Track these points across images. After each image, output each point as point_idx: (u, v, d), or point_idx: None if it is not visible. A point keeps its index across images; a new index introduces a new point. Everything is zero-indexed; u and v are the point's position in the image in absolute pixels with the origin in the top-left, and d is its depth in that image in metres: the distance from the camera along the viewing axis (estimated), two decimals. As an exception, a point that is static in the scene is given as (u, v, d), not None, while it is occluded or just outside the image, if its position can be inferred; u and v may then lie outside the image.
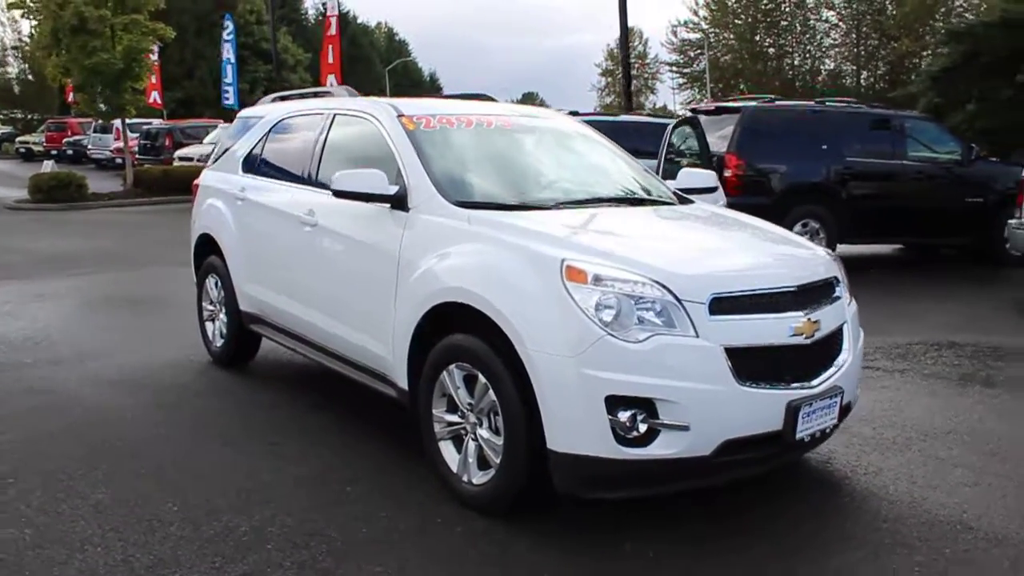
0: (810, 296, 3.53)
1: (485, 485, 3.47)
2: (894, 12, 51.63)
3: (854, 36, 55.48)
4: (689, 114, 9.87)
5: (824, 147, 9.46)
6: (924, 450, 4.22)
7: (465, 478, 3.58)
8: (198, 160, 20.59)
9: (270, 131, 5.41)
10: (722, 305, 3.25)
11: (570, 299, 3.18)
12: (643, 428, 3.13)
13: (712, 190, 5.06)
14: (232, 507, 3.56)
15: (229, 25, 26.72)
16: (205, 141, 22.01)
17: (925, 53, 52.79)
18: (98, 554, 3.16)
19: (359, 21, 67.25)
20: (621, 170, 4.79)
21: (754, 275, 3.47)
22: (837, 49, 57.41)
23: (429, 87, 75.95)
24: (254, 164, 5.44)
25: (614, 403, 3.11)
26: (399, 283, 3.88)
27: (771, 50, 58.64)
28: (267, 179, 5.23)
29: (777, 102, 10.07)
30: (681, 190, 4.70)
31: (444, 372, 3.62)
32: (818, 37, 56.87)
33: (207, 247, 5.82)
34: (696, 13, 57.57)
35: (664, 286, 3.20)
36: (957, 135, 10.73)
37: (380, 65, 61.98)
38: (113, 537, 3.29)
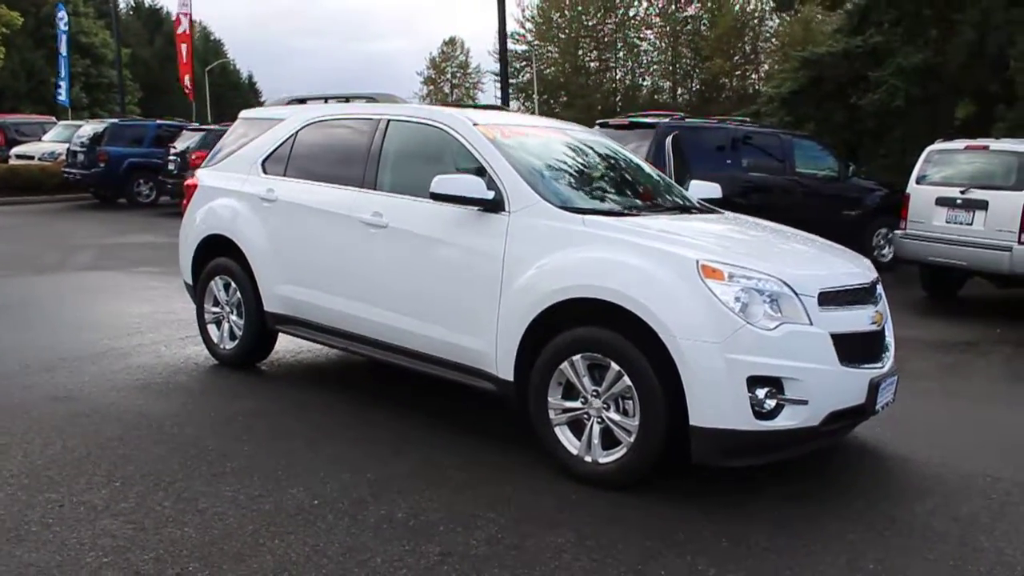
0: (874, 291, 4.17)
1: (615, 462, 3.81)
2: (708, 33, 55.55)
3: (671, 54, 59.23)
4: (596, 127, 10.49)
5: (728, 161, 10.36)
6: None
7: (589, 458, 3.90)
8: (40, 159, 19.22)
9: (297, 133, 5.44)
10: (826, 298, 3.80)
11: (711, 294, 3.61)
12: (772, 404, 3.61)
13: (717, 201, 5.62)
14: (374, 497, 3.68)
15: (63, 15, 24.81)
16: (44, 139, 20.53)
17: (736, 73, 57.44)
18: (284, 546, 3.24)
19: (174, 19, 64.16)
20: (656, 179, 5.27)
21: (841, 273, 4.05)
22: (656, 66, 61.05)
23: (248, 90, 73.50)
24: (280, 165, 5.45)
25: (752, 383, 3.56)
26: (505, 282, 4.14)
27: (593, 64, 61.50)
28: (303, 181, 5.27)
29: (686, 119, 10.92)
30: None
31: (565, 362, 3.94)
32: (638, 54, 60.20)
33: (213, 249, 5.75)
34: (523, 25, 59.44)
35: (784, 282, 3.70)
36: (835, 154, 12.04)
37: (199, 65, 59.34)
38: (284, 530, 3.36)
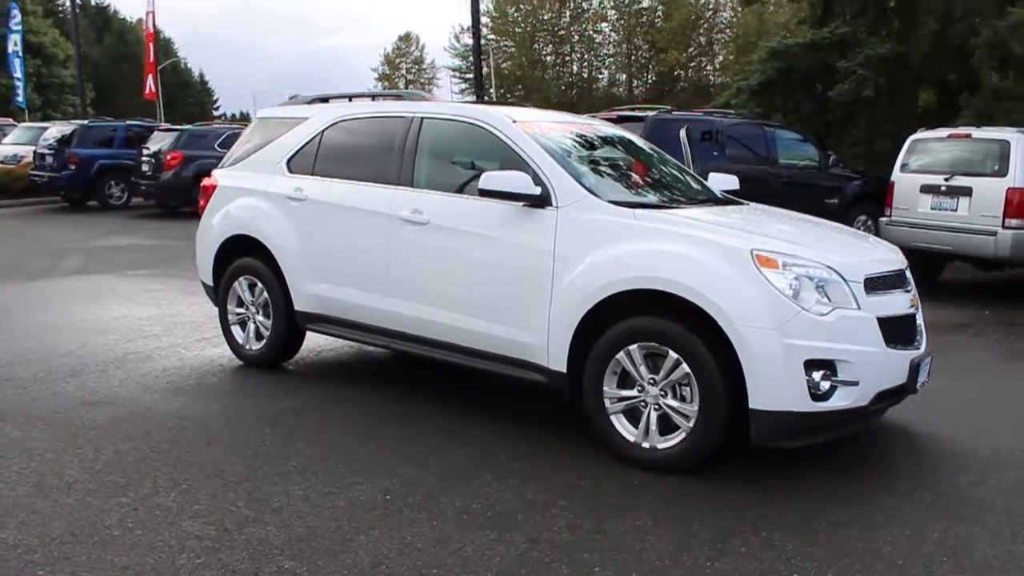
0: (905, 276, 4.34)
1: (675, 447, 3.93)
2: (663, 25, 56.04)
3: (626, 47, 59.65)
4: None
5: (715, 153, 10.55)
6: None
7: (646, 445, 4.01)
8: (2, 162, 18.83)
9: (323, 132, 5.46)
10: (871, 283, 3.96)
11: (767, 282, 3.74)
12: (826, 385, 3.76)
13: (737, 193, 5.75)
14: (443, 490, 3.74)
15: (17, 15, 24.16)
16: (5, 142, 20.08)
17: (691, 64, 58.08)
18: (373, 540, 3.29)
19: (121, 17, 62.93)
20: (679, 171, 5.40)
21: (880, 259, 4.21)
22: (612, 59, 61.45)
23: (200, 89, 72.39)
24: (307, 164, 5.46)
25: (809, 366, 3.70)
26: (556, 275, 4.23)
27: (550, 58, 61.69)
28: (334, 179, 5.29)
29: (673, 112, 11.08)
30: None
31: (621, 352, 4.04)
32: (594, 47, 60.53)
33: (236, 249, 5.75)
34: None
35: (834, 269, 3.85)
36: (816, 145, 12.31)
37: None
38: (366, 525, 3.42)
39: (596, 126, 5.41)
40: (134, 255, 11.22)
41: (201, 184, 6.24)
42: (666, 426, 3.99)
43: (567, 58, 61.28)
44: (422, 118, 5.02)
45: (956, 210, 8.51)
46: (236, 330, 5.85)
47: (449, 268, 4.67)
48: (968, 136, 8.78)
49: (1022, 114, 13.09)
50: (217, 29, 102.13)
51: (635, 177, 4.93)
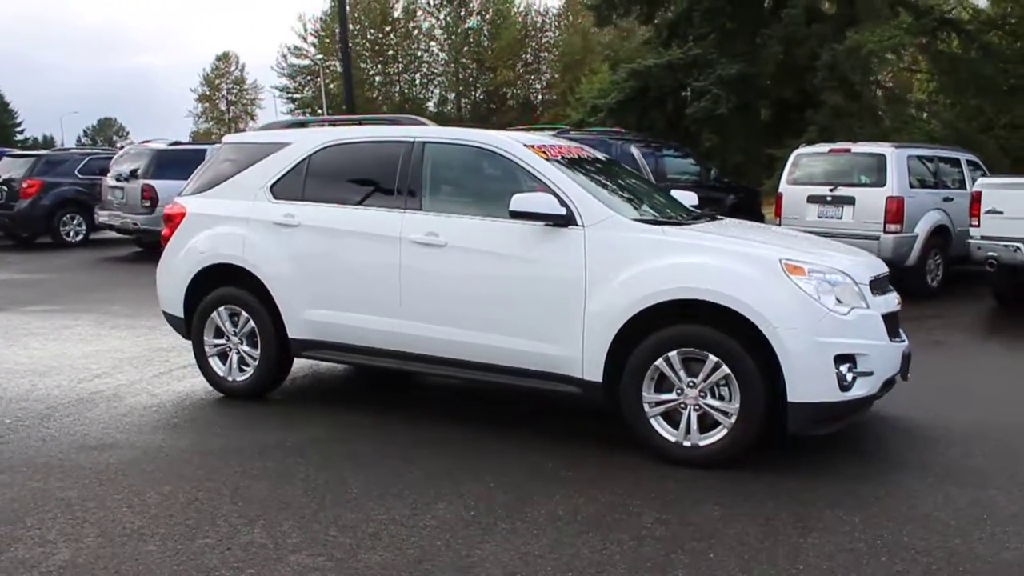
0: (888, 278, 4.91)
1: (717, 443, 4.26)
2: (491, 45, 57.35)
3: (455, 66, 60.51)
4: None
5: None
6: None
7: (688, 443, 4.32)
8: None
9: (310, 157, 5.42)
10: (874, 285, 4.48)
11: (798, 287, 4.16)
12: (850, 377, 4.22)
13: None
14: (521, 502, 3.88)
15: None
16: None
17: (519, 82, 59.73)
18: (491, 553, 3.39)
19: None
20: (656, 189, 5.78)
21: (873, 264, 4.75)
22: (440, 78, 62.13)
23: (1, 111, 67.12)
24: (295, 190, 5.39)
25: (837, 360, 4.15)
26: (588, 290, 4.46)
27: (378, 78, 61.56)
28: (328, 205, 5.27)
29: (570, 132, 11.55)
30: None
31: (660, 359, 4.33)
32: (423, 67, 61.01)
33: (211, 279, 5.59)
34: (305, 40, 58.43)
35: (847, 274, 4.33)
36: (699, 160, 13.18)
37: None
38: (473, 540, 3.52)
39: (586, 149, 5.69)
40: (15, 291, 10.37)
41: (164, 212, 5.99)
42: (704, 425, 4.32)
43: (395, 78, 61.39)
44: (424, 142, 5.12)
45: (841, 218, 9.45)
46: (215, 362, 5.66)
47: (472, 288, 4.79)
48: (848, 151, 9.79)
49: (860, 129, 14.60)
50: (13, 44, 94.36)
51: (636, 195, 5.24)
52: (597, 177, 5.14)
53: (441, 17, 58.80)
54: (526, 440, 4.76)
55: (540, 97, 60.29)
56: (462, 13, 58.32)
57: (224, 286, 5.57)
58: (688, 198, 5.84)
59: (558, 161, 4.90)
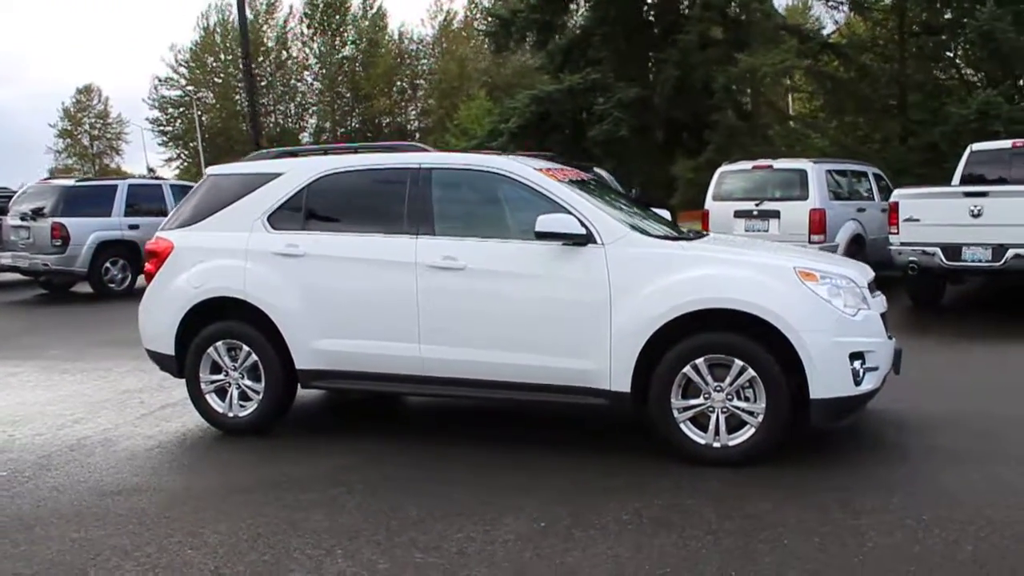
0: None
1: (746, 442, 4.53)
2: (365, 74, 57.07)
3: (330, 96, 59.85)
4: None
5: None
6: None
7: (718, 444, 4.57)
8: None
9: (308, 186, 5.40)
10: (869, 288, 4.88)
11: (813, 293, 4.50)
12: (862, 372, 4.58)
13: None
14: (581, 514, 4.02)
15: None
16: None
17: (396, 109, 59.68)
18: (581, 558, 3.51)
19: None
20: (643, 207, 6.06)
21: (865, 269, 5.14)
22: (315, 107, 61.28)
23: None
24: (294, 219, 5.36)
25: (852, 357, 4.51)
26: (614, 305, 4.66)
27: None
28: (332, 233, 5.27)
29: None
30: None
31: (688, 366, 4.58)
32: (298, 97, 60.07)
33: (204, 314, 5.47)
34: (175, 70, 56.56)
35: (850, 279, 4.71)
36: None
37: None
38: (561, 549, 3.63)
39: (578, 172, 5.91)
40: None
41: (147, 247, 5.80)
42: (730, 426, 4.59)
43: (270, 108, 60.18)
44: (430, 168, 5.21)
45: (768, 231, 10.06)
46: (212, 399, 5.53)
47: (496, 309, 4.90)
48: (770, 167, 10.43)
49: (756, 148, 15.50)
50: None
51: (638, 214, 5.49)
52: (603, 197, 5.37)
53: (314, 47, 58.16)
54: (549, 455, 4.88)
55: (416, 124, 60.41)
56: (336, 43, 57.89)
57: (219, 320, 5.46)
58: (666, 215, 6.16)
59: (569, 183, 5.10)
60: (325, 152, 5.71)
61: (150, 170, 51.07)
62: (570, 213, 4.80)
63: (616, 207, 5.30)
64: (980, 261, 8.45)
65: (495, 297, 4.91)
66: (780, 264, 4.64)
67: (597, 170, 9.95)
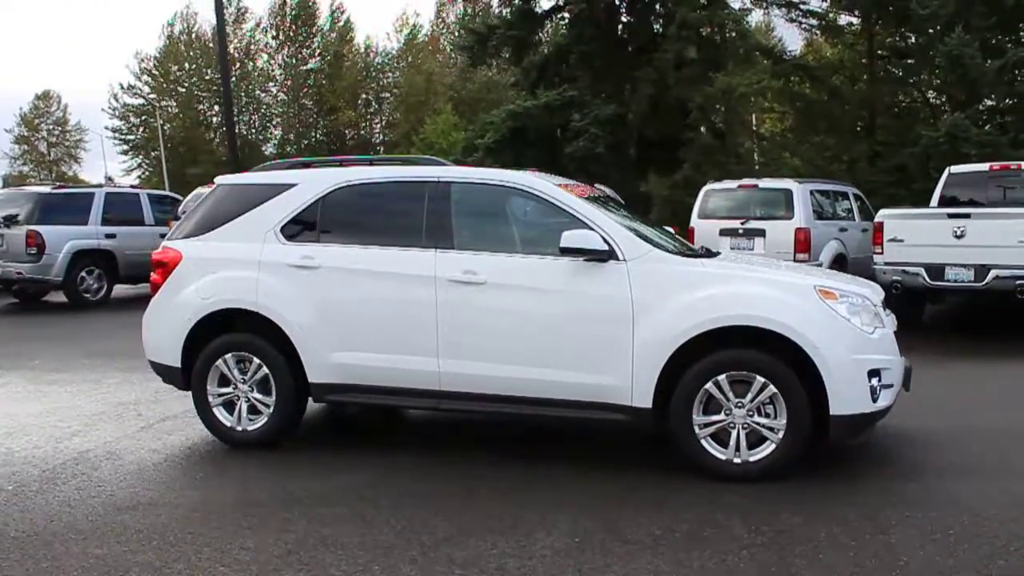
0: (883, 301, 5.46)
1: (767, 458, 4.58)
2: (328, 86, 56.74)
3: (295, 107, 59.42)
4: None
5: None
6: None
7: (738, 460, 4.62)
8: None
9: (324, 198, 5.36)
10: (884, 306, 4.98)
11: (833, 311, 4.58)
12: (879, 389, 4.66)
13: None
14: (616, 526, 4.03)
15: None
16: None
17: (361, 122, 59.44)
18: (626, 572, 3.52)
19: None
20: (653, 223, 6.12)
21: (877, 289, 5.23)
22: (279, 119, 60.77)
23: None
24: (308, 231, 5.32)
25: (870, 374, 4.59)
26: (636, 320, 4.70)
27: (216, 119, 59.48)
28: (348, 246, 5.23)
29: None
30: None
31: (710, 383, 4.62)
32: (263, 108, 59.53)
33: (211, 326, 5.40)
34: (139, 78, 55.68)
35: (866, 298, 4.80)
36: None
37: None
38: (605, 563, 3.64)
39: (593, 189, 5.95)
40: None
41: (154, 257, 5.70)
42: (750, 442, 4.64)
43: (234, 119, 59.49)
44: (449, 182, 5.21)
45: (753, 249, 10.20)
46: (220, 412, 5.45)
47: (517, 324, 4.90)
48: (755, 186, 10.59)
49: (731, 166, 15.74)
50: None
51: (652, 230, 5.54)
52: (619, 214, 5.41)
53: (279, 58, 57.75)
54: (569, 470, 4.89)
55: (381, 137, 60.22)
56: (303, 54, 57.53)
57: (226, 332, 5.39)
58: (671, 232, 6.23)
59: (588, 199, 5.13)
60: (341, 164, 5.67)
61: (108, 179, 50.11)
62: (592, 229, 4.84)
63: (633, 224, 5.34)
64: (963, 281, 8.66)
65: (516, 312, 4.91)
66: (801, 283, 4.72)
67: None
